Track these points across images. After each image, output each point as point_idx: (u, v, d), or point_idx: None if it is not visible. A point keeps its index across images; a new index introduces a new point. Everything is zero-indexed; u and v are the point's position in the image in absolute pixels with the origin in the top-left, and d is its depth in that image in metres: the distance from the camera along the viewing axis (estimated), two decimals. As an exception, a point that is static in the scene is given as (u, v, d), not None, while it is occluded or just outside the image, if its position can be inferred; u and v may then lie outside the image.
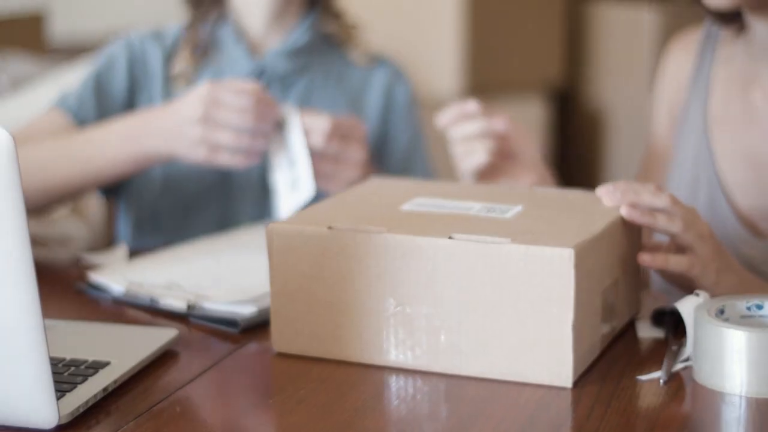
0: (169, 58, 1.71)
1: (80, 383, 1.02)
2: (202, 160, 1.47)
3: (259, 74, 1.69)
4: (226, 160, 1.47)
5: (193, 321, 1.25)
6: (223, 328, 1.23)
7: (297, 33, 1.71)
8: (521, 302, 1.06)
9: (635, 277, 1.23)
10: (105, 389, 1.03)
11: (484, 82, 3.03)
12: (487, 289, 1.07)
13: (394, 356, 1.11)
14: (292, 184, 1.50)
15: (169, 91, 1.69)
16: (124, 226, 1.73)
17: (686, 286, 1.19)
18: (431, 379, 1.09)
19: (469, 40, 2.99)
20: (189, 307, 1.26)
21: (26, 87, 2.45)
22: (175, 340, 1.16)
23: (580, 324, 1.06)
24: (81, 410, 0.99)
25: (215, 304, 1.26)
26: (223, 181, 1.66)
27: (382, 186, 1.32)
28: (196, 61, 1.70)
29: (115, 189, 1.68)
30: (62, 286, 1.39)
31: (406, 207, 1.19)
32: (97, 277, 1.36)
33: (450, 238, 1.08)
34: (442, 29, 2.98)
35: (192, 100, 1.46)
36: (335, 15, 1.77)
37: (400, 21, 3.01)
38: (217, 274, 1.36)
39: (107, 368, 1.06)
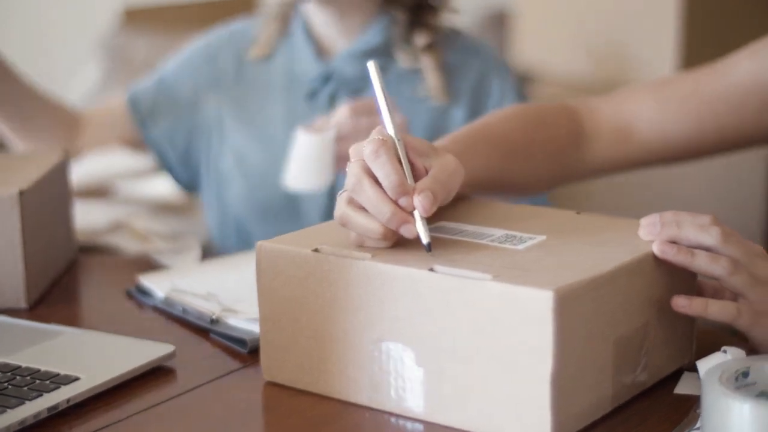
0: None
1: (30, 399, 0.99)
2: None
3: (326, 79, 1.59)
4: None
5: (213, 337, 1.20)
6: (234, 346, 1.16)
7: (369, 33, 1.59)
8: (500, 349, 0.93)
9: (682, 322, 1.07)
10: (53, 408, 0.98)
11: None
12: (466, 332, 0.95)
13: (373, 396, 1.01)
14: None
15: (242, 72, 1.64)
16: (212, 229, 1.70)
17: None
18: (406, 425, 0.98)
19: (686, 41, 2.78)
20: (212, 321, 1.20)
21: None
22: (168, 357, 1.10)
23: (568, 379, 0.92)
24: (12, 429, 0.95)
25: (236, 320, 1.20)
26: (290, 197, 1.58)
27: None
28: (279, 31, 1.63)
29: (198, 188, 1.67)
30: (119, 286, 1.36)
31: (420, 231, 1.08)
32: (145, 280, 1.33)
33: (430, 270, 0.96)
34: (658, 24, 2.78)
35: None
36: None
37: (615, 13, 2.83)
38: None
39: (70, 385, 1.02)
